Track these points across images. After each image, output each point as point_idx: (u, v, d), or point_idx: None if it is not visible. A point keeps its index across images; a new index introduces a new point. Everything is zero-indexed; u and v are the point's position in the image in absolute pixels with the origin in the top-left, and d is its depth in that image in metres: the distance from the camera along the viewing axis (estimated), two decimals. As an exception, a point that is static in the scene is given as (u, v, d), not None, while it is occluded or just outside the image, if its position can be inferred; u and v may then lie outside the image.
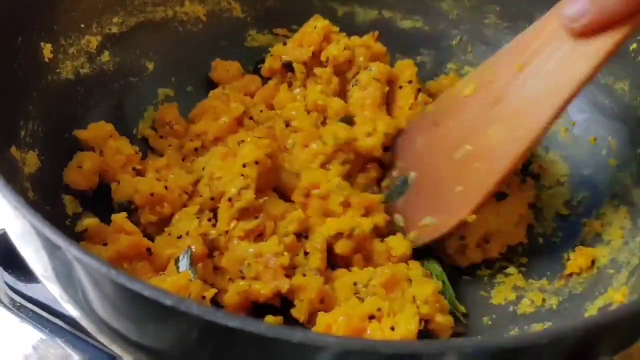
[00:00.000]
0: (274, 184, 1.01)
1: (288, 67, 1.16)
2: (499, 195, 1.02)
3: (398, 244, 0.98)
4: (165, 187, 0.99)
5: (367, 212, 1.00)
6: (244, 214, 0.96)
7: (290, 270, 0.94)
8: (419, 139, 1.04)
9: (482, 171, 0.94)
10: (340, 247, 0.97)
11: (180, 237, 0.95)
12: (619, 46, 0.83)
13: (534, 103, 0.90)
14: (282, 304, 0.94)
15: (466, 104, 0.99)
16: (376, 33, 1.18)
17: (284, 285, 0.91)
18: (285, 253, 0.92)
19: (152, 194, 0.97)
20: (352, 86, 1.13)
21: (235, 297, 0.91)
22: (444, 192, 0.98)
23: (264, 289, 0.91)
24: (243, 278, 0.93)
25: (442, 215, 0.98)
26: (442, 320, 0.90)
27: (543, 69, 0.89)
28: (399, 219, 1.02)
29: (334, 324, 0.86)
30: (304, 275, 0.93)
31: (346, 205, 1.00)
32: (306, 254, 0.96)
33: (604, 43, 0.83)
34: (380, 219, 1.00)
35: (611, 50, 0.83)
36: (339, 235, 0.97)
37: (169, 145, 1.08)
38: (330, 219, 0.99)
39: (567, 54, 0.87)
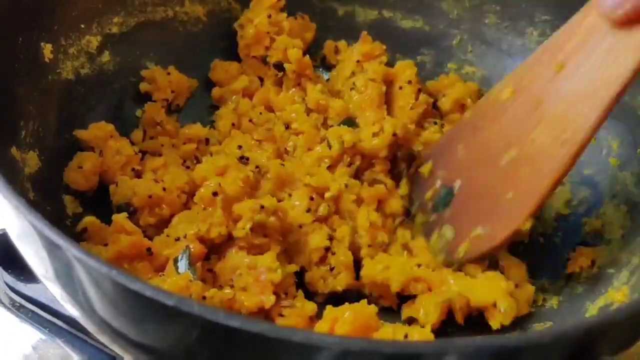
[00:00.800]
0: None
1: (278, 67, 1.15)
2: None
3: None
4: (164, 189, 0.98)
5: (380, 203, 1.02)
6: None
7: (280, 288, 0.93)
8: (460, 147, 1.01)
9: (532, 176, 0.89)
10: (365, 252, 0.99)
11: (178, 239, 0.95)
12: None
13: (578, 104, 0.85)
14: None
15: (506, 109, 0.95)
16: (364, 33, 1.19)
17: (268, 301, 0.89)
18: (279, 270, 0.91)
19: (150, 196, 0.97)
20: (350, 90, 1.14)
21: (218, 305, 0.89)
22: (493, 200, 0.93)
23: (247, 301, 0.89)
24: (232, 287, 0.92)
25: (495, 224, 0.93)
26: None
27: (584, 66, 0.85)
28: (447, 230, 0.98)
29: (340, 318, 0.86)
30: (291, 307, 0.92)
31: (359, 201, 1.01)
32: (332, 269, 0.97)
33: None
34: (395, 205, 1.02)
35: None
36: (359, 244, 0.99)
37: (162, 145, 1.07)
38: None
39: (610, 48, 0.81)
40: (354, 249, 0.99)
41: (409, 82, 1.13)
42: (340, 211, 1.02)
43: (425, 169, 1.04)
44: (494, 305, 0.90)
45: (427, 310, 0.92)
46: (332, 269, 0.96)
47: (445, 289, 0.93)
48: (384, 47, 1.20)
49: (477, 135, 0.98)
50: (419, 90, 1.13)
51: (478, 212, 0.95)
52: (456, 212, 0.98)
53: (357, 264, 0.99)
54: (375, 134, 1.06)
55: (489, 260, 0.95)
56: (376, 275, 0.95)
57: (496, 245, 0.93)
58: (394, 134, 1.05)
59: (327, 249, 0.98)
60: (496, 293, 0.91)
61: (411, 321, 0.95)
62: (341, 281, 0.96)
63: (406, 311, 0.95)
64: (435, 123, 1.13)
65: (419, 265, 0.96)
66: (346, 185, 1.01)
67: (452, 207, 0.99)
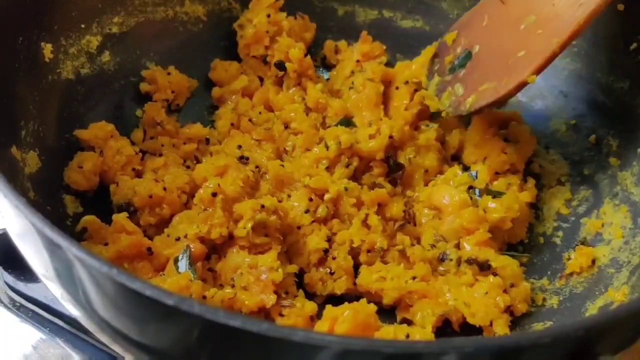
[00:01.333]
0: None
1: (280, 66, 1.16)
2: (495, 194, 1.02)
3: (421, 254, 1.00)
4: (164, 189, 0.98)
5: (381, 207, 1.02)
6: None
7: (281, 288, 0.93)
8: (486, 16, 1.10)
9: (545, 35, 0.98)
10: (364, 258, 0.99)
11: (178, 239, 0.95)
12: None
13: None
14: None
15: None
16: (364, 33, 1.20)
17: (269, 300, 0.90)
18: (280, 269, 0.91)
19: (150, 196, 0.97)
20: (349, 89, 1.14)
21: (218, 304, 0.90)
22: (506, 59, 1.03)
23: (248, 301, 0.89)
24: (233, 286, 0.92)
25: (502, 79, 1.02)
26: None
27: None
28: (458, 87, 1.09)
29: (340, 317, 0.86)
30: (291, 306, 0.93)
31: (359, 205, 1.01)
32: (332, 273, 0.97)
33: None
34: (395, 209, 1.02)
35: None
36: (358, 249, 0.99)
37: (162, 145, 1.08)
38: (347, 232, 0.99)
39: None
40: (355, 254, 0.99)
41: (406, 82, 1.13)
42: (340, 214, 1.02)
43: (449, 37, 1.15)
44: (490, 324, 0.92)
45: (424, 314, 0.92)
46: (332, 273, 0.97)
47: (441, 301, 0.94)
48: (384, 47, 1.21)
49: (503, 5, 1.07)
50: (415, 91, 1.13)
51: (489, 70, 1.05)
52: (469, 72, 1.09)
53: (358, 267, 0.99)
54: (372, 136, 1.06)
55: (483, 265, 0.95)
56: (371, 285, 0.95)
57: (500, 97, 1.02)
58: (390, 137, 1.05)
59: (326, 252, 0.98)
60: (493, 314, 0.91)
61: (407, 322, 0.95)
62: (340, 285, 0.96)
63: (401, 313, 0.96)
64: (428, 125, 1.12)
65: (414, 278, 0.96)
66: (346, 189, 1.01)
67: (467, 68, 1.10)
